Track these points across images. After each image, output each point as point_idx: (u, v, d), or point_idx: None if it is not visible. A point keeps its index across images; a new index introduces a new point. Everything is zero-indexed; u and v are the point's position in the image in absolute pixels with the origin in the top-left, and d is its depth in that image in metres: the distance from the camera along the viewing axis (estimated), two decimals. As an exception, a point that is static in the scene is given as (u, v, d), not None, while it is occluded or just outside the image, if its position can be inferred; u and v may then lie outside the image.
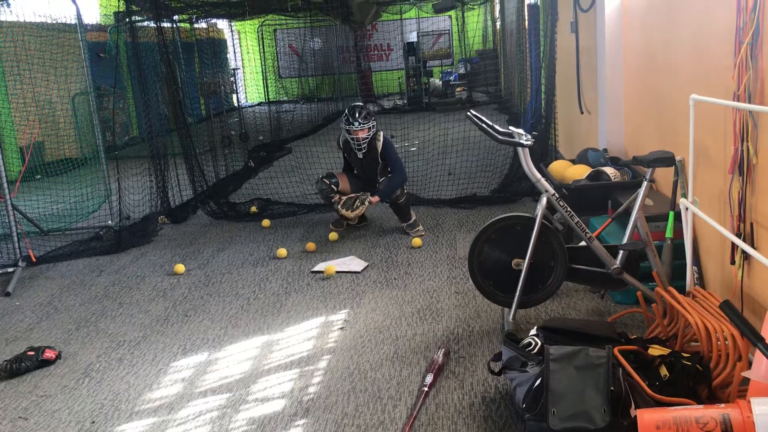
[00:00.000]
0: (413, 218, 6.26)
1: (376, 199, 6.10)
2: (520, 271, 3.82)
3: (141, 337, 4.36)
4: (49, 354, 4.08)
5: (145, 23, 8.00)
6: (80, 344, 4.34)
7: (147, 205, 7.24)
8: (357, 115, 6.06)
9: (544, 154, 6.80)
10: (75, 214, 7.40)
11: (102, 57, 13.31)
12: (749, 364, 2.83)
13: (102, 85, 13.04)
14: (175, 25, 9.66)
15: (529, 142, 3.77)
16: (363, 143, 6.09)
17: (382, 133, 6.22)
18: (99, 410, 3.51)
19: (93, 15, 14.37)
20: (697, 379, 2.93)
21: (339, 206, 6.07)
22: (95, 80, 10.50)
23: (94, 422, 3.40)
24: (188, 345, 4.20)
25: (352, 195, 6.15)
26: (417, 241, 5.82)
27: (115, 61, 9.92)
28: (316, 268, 5.39)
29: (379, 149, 6.15)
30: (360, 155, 6.16)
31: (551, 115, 7.05)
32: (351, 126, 6.06)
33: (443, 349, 3.69)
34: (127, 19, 7.31)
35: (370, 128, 6.08)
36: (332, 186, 6.16)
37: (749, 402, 2.38)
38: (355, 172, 6.37)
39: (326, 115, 15.83)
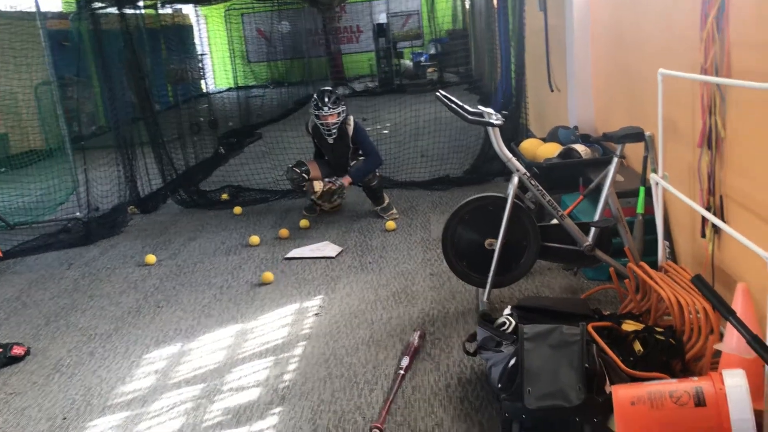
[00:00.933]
0: (386, 201, 6.23)
1: (348, 180, 6.04)
2: (494, 251, 3.81)
3: (112, 330, 4.29)
4: (17, 350, 4.00)
5: (108, 10, 7.81)
6: (50, 339, 4.26)
7: (116, 196, 7.12)
8: (326, 99, 6.00)
9: (516, 133, 6.80)
10: (42, 206, 7.25)
11: (65, 45, 13.00)
12: (721, 337, 2.86)
13: (66, 75, 12.75)
14: (139, 12, 9.47)
15: (498, 122, 3.74)
16: (333, 128, 6.03)
17: (352, 117, 6.17)
18: (70, 406, 3.44)
19: (54, 2, 14.02)
20: (670, 353, 2.96)
21: (316, 198, 6.02)
22: (59, 69, 10.23)
23: (65, 418, 3.33)
24: (161, 336, 4.14)
25: (327, 183, 6.06)
26: (391, 224, 5.79)
27: (78, 49, 9.69)
28: (289, 255, 5.34)
29: (350, 134, 6.09)
30: (330, 140, 6.10)
31: (521, 94, 7.05)
32: (320, 111, 5.99)
33: (419, 332, 3.68)
34: (89, 6, 7.13)
35: (339, 113, 6.02)
36: (303, 175, 6.10)
37: (721, 374, 2.40)
38: (326, 158, 6.32)
39: (297, 99, 15.67)
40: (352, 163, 6.14)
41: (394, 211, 6.18)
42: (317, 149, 6.41)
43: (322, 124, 6.04)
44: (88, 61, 12.49)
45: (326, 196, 6.10)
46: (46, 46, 7.14)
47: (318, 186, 6.05)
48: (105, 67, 7.49)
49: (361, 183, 6.09)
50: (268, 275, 4.79)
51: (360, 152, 6.19)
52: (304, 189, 6.12)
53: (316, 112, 6.02)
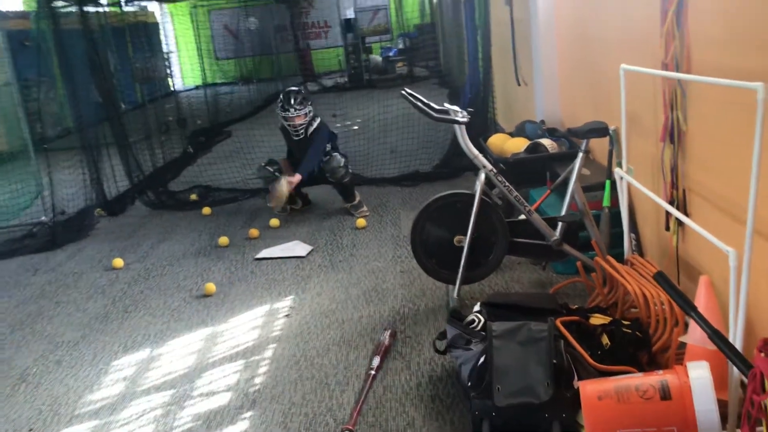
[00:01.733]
0: (357, 199, 6.21)
1: (297, 177, 5.91)
2: (462, 247, 3.81)
3: (80, 337, 4.22)
4: (-19, 361, 3.91)
5: (70, 9, 7.66)
6: (15, 348, 4.17)
7: (82, 199, 7.00)
8: (292, 101, 5.98)
9: (484, 127, 6.82)
10: (6, 211, 7.10)
11: (27, 45, 12.70)
12: (686, 328, 2.89)
13: (29, 76, 12.48)
14: (102, 10, 9.30)
15: (464, 119, 3.74)
16: (300, 129, 6.00)
17: (319, 120, 6.14)
18: (37, 416, 3.38)
19: (14, 1, 13.73)
20: (637, 345, 2.98)
21: (270, 204, 6.00)
22: (22, 70, 10.02)
23: (32, 429, 3.27)
24: (129, 342, 4.08)
25: (280, 193, 5.92)
26: (361, 222, 5.78)
27: (39, 49, 9.49)
28: (259, 256, 5.29)
29: (311, 130, 6.08)
30: (295, 138, 6.08)
31: (489, 88, 7.06)
32: (286, 113, 5.98)
33: (389, 331, 3.67)
34: (48, 5, 6.98)
35: (306, 113, 6.00)
36: (275, 173, 6.05)
37: (686, 367, 2.43)
38: (296, 156, 6.28)
39: (266, 96, 15.53)
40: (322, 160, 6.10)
41: (365, 208, 6.16)
42: (289, 148, 6.39)
43: (289, 125, 6.00)
44: (51, 61, 12.27)
45: (277, 201, 6.00)
46: (6, 47, 7.00)
47: (285, 186, 5.92)
48: (68, 67, 7.36)
49: (333, 179, 6.04)
50: (210, 287, 4.66)
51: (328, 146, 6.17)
52: (276, 183, 6.00)
53: (283, 114, 6.00)
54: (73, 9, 7.49)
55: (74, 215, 6.83)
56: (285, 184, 5.88)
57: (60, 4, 7.27)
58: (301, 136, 6.05)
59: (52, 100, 13.33)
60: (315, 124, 6.07)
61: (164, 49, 15.10)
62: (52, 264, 5.73)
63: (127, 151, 7.39)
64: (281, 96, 6.11)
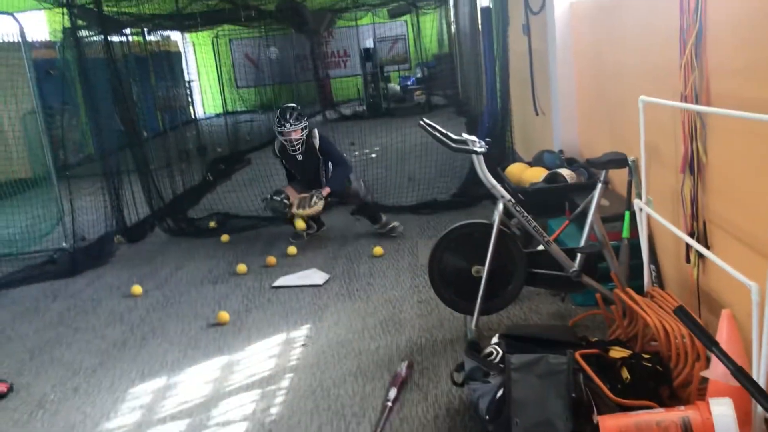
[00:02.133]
0: (384, 218, 6.24)
1: (327, 190, 6.04)
2: (481, 278, 3.80)
3: (97, 364, 4.24)
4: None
5: (94, 38, 7.82)
6: (34, 375, 4.19)
7: (102, 225, 7.07)
8: (287, 116, 6.07)
9: (502, 156, 6.83)
10: (28, 237, 7.18)
11: (52, 74, 12.97)
12: (708, 363, 2.84)
13: (53, 104, 12.73)
14: (126, 39, 9.49)
15: (482, 149, 3.75)
16: (298, 144, 6.07)
17: (317, 130, 6.24)
18: (53, 444, 3.38)
19: (41, 31, 14.04)
20: (658, 379, 2.94)
21: (294, 210, 6.01)
22: (47, 98, 10.20)
23: (48, 457, 3.27)
24: (146, 370, 4.09)
25: (304, 195, 6.08)
26: (378, 250, 5.78)
27: (63, 78, 9.69)
28: (276, 284, 5.31)
29: (317, 145, 6.13)
30: (300, 157, 6.14)
31: (507, 118, 7.08)
32: (283, 128, 6.06)
33: (406, 362, 3.65)
34: (73, 35, 7.13)
35: (303, 128, 6.09)
36: (284, 201, 6.09)
37: (708, 403, 2.38)
38: (298, 178, 6.34)
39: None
40: (324, 177, 6.19)
41: (396, 223, 6.22)
42: (287, 172, 6.46)
43: (287, 141, 6.07)
44: (75, 89, 12.50)
45: (303, 203, 6.05)
46: (32, 76, 7.14)
47: (318, 206, 5.99)
48: (91, 96, 7.48)
49: (341, 189, 6.08)
50: (224, 315, 4.68)
51: (330, 163, 6.24)
52: (290, 217, 6.10)
53: (279, 129, 6.08)
54: (98, 38, 7.65)
55: (94, 242, 6.90)
56: (318, 201, 5.96)
57: (85, 33, 7.43)
58: (299, 152, 6.11)
59: (75, 128, 13.59)
60: (317, 136, 6.14)
61: (186, 77, 15.33)
62: (72, 290, 5.78)
63: (147, 178, 7.47)
64: (278, 113, 6.19)
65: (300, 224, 6.09)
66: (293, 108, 6.19)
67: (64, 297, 5.63)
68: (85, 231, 7.05)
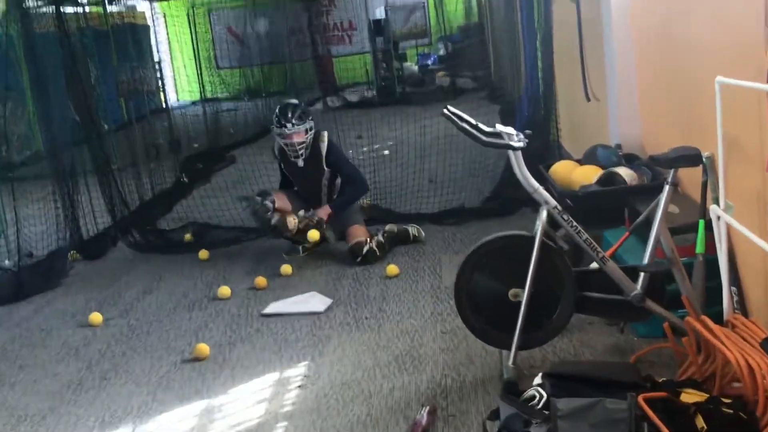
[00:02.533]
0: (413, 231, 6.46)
1: (326, 212, 6.11)
2: (520, 303, 3.80)
3: (48, 409, 4.28)
4: (-72, 438, 3.97)
5: (43, 8, 7.88)
6: (-31, 422, 4.24)
7: (53, 239, 7.12)
8: (289, 115, 6.11)
9: (545, 153, 6.83)
10: (-38, 254, 7.26)
11: (-8, 53, 13.11)
12: (804, 410, 2.83)
13: (-7, 89, 12.84)
14: (83, 9, 9.56)
15: (520, 144, 3.77)
16: (300, 149, 6.10)
17: (326, 134, 6.27)
18: None
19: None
20: (741, 429, 2.93)
21: (292, 236, 6.10)
22: (-17, 84, 10.30)
23: None
24: (107, 416, 4.12)
25: (304, 219, 6.12)
26: (393, 269, 5.79)
27: (6, 57, 9.78)
28: (267, 311, 5.33)
29: (324, 153, 6.18)
30: (300, 163, 6.18)
31: (551, 105, 7.09)
32: (283, 129, 6.11)
33: (428, 407, 3.66)
34: (17, 5, 7.18)
35: (307, 130, 6.13)
36: (266, 204, 6.12)
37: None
38: (296, 188, 6.42)
39: (277, 113, 15.80)
40: (325, 194, 6.31)
41: (413, 228, 6.43)
42: (284, 177, 6.54)
43: (286, 145, 6.12)
44: (21, 71, 12.61)
45: (300, 234, 6.17)
46: (-34, 56, 7.21)
47: (292, 222, 6.10)
48: (40, 79, 7.53)
49: (343, 212, 6.18)
50: (203, 348, 4.69)
51: (338, 178, 6.31)
52: (273, 225, 6.13)
53: (278, 131, 6.14)
54: (48, 9, 7.70)
55: (44, 259, 6.94)
56: (295, 222, 6.04)
57: (32, 3, 7.46)
58: (301, 157, 6.15)
59: (20, 119, 13.74)
60: (325, 140, 6.21)
61: (155, 56, 15.46)
62: (16, 318, 5.84)
63: (109, 180, 7.54)
64: (277, 110, 6.26)
65: (313, 234, 6.11)
66: (296, 105, 6.25)
67: (7, 326, 5.68)
68: (32, 246, 7.11)
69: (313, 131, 6.18)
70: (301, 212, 6.18)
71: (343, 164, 6.29)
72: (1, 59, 11.33)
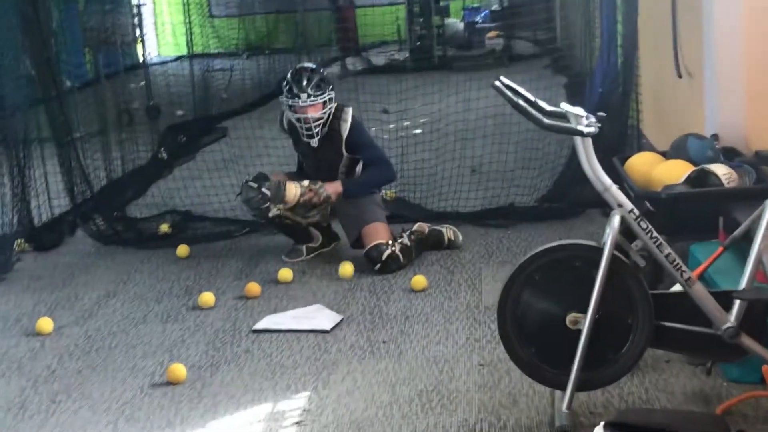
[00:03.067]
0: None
1: (336, 188, 6.11)
2: (580, 332, 3.79)
3: (-19, 437, 4.33)
4: None
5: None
6: None
7: (-4, 223, 7.20)
8: (305, 82, 6.10)
9: (622, 142, 6.79)
10: None
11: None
12: None
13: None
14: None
15: (591, 129, 3.75)
16: (316, 126, 6.10)
17: (350, 110, 6.28)
18: None
19: None
20: None
21: (284, 209, 6.11)
22: None
23: None
24: (55, 450, 4.17)
25: (308, 189, 6.13)
26: (420, 281, 5.79)
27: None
28: (260, 326, 5.35)
29: (344, 135, 6.17)
30: (314, 143, 6.18)
31: (632, 81, 7.04)
32: (295, 100, 6.10)
33: (457, 458, 3.67)
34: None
35: (325, 102, 6.12)
36: (263, 192, 6.15)
37: None
38: (307, 171, 6.46)
39: (283, 76, 15.73)
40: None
41: (447, 228, 6.43)
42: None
43: (298, 120, 6.13)
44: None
45: (301, 208, 6.19)
46: None
47: (293, 191, 6.12)
48: None
49: (357, 196, 6.20)
50: (178, 370, 4.72)
51: (359, 165, 6.33)
52: (265, 191, 6.13)
53: (290, 101, 6.13)
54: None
55: (-18, 248, 7.04)
56: (296, 187, 6.08)
57: None
58: (316, 137, 6.16)
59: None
60: (348, 119, 6.21)
61: (134, -1, 15.54)
62: (-53, 321, 5.91)
63: (69, 151, 7.58)
64: (288, 75, 6.28)
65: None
66: (313, 70, 6.24)
67: (-65, 331, 5.76)
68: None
69: (332, 105, 6.18)
70: (306, 182, 6.19)
71: (365, 145, 6.29)
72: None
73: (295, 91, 6.10)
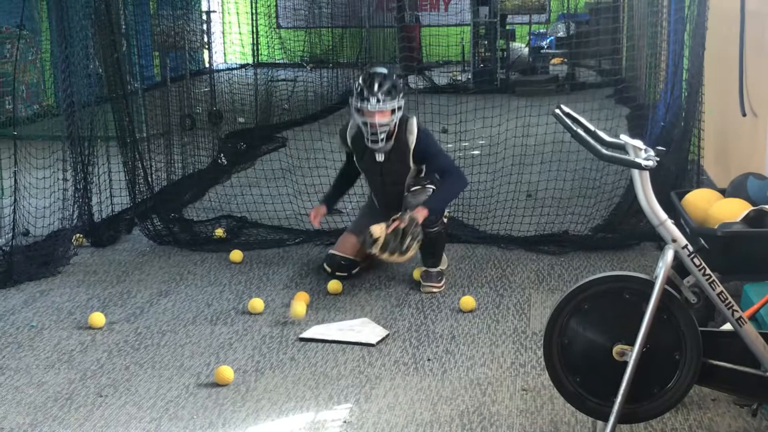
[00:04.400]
0: (442, 265, 6.26)
1: (423, 213, 5.96)
2: (626, 364, 3.77)
3: (28, 425, 4.39)
4: None
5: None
6: (-67, 432, 4.39)
7: (56, 216, 7.31)
8: (376, 87, 5.99)
9: (680, 176, 6.75)
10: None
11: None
12: None
13: (4, 26, 13.28)
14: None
15: (650, 162, 3.73)
16: (382, 132, 6.03)
17: (415, 121, 6.20)
18: None
19: None
20: None
21: (378, 253, 5.98)
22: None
23: None
24: (99, 443, 4.22)
25: (395, 223, 5.93)
26: (469, 301, 5.79)
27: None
28: (307, 335, 5.39)
29: (412, 146, 6.13)
30: (379, 157, 6.17)
31: (694, 116, 7.00)
32: (365, 103, 5.98)
33: (495, 481, 3.66)
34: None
35: (394, 110, 6.05)
36: (343, 259, 6.23)
37: None
38: (370, 192, 6.50)
39: (345, 89, 15.89)
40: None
41: (441, 285, 6.19)
42: (345, 178, 6.62)
43: (365, 124, 6.05)
44: (39, 7, 12.98)
45: (393, 244, 5.96)
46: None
47: (378, 230, 5.95)
48: (64, 20, 7.64)
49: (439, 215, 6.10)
50: (225, 372, 4.78)
51: (432, 176, 6.26)
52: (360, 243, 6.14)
53: (359, 104, 6.02)
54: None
55: (42, 240, 7.15)
56: (414, 242, 5.95)
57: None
58: (383, 147, 6.10)
59: (32, 64, 14.14)
60: (415, 131, 6.13)
61: (204, 5, 15.73)
62: (1, 309, 6.01)
63: (132, 151, 7.68)
64: (360, 79, 6.17)
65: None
66: (385, 76, 6.12)
67: (-10, 317, 5.87)
68: (29, 222, 7.29)
69: (400, 113, 6.10)
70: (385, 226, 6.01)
71: (435, 155, 6.20)
72: (18, -10, 11.68)
73: (366, 94, 5.99)
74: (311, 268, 6.66)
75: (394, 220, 5.96)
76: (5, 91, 11.99)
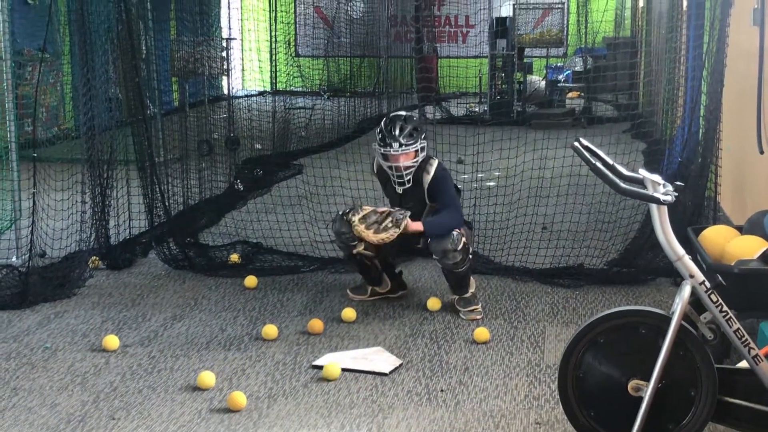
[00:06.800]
0: (471, 290, 6.30)
1: (416, 226, 6.07)
2: (641, 399, 3.76)
3: (40, 446, 4.40)
4: None
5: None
6: (-54, 451, 4.39)
7: (73, 238, 7.35)
8: (397, 132, 6.12)
9: (697, 213, 6.74)
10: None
11: (31, 4, 13.69)
12: None
13: (25, 48, 13.38)
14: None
15: (668, 198, 3.74)
16: (407, 174, 6.15)
17: (436, 162, 6.29)
18: None
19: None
20: None
21: (356, 222, 6.05)
22: (19, 39, 10.67)
23: None
24: (110, 466, 4.22)
25: (382, 210, 6.15)
26: (483, 333, 5.78)
27: (48, 13, 10.18)
28: (319, 362, 5.39)
29: (426, 185, 6.21)
30: (399, 190, 6.25)
31: (712, 152, 6.99)
32: (388, 149, 6.12)
33: None
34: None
35: (417, 151, 6.16)
36: (352, 221, 6.16)
37: None
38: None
39: (362, 118, 15.96)
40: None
41: (479, 307, 6.24)
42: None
43: (389, 168, 6.18)
44: (60, 30, 13.07)
45: (373, 218, 6.11)
46: (3, 6, 7.46)
47: (368, 208, 6.14)
48: (86, 44, 7.71)
49: (442, 264, 6.13)
50: (238, 399, 4.78)
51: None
52: (353, 249, 6.19)
53: (383, 150, 6.15)
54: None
55: (58, 261, 7.17)
56: (393, 226, 6.01)
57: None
58: (407, 186, 6.20)
59: (52, 87, 14.24)
60: (432, 171, 6.21)
61: (223, 32, 15.83)
62: (16, 330, 6.03)
63: (151, 175, 7.72)
64: (383, 123, 6.27)
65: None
66: (405, 119, 6.24)
67: (5, 338, 5.87)
68: (46, 243, 7.34)
69: (424, 153, 6.21)
70: (383, 207, 6.23)
71: (443, 192, 6.24)
72: (40, 14, 11.76)
73: (388, 140, 6.12)
74: (326, 296, 6.67)
75: (391, 213, 6.11)
76: (25, 113, 12.04)
